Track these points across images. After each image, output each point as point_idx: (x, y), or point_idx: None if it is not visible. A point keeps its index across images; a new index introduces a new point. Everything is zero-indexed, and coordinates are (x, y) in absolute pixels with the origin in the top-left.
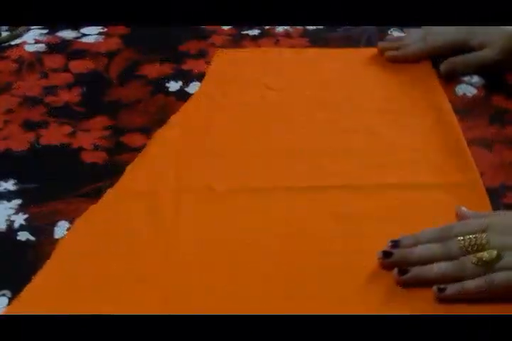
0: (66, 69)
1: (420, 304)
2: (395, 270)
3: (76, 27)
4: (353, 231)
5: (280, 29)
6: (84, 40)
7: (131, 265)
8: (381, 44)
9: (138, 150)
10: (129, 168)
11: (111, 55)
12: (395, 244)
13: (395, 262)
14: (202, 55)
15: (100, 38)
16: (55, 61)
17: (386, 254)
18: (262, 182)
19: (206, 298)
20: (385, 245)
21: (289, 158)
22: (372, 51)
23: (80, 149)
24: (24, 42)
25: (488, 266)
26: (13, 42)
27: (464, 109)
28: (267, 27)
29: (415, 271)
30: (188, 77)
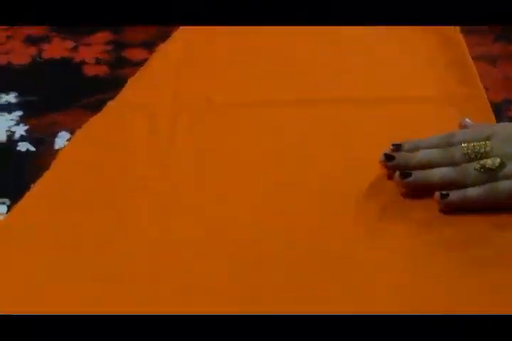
0: None
1: (421, 214)
2: (397, 173)
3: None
4: (354, 144)
5: None
6: None
7: (128, 176)
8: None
9: (140, 64)
10: (130, 81)
11: None
12: (397, 147)
13: (397, 165)
14: None
15: None
16: None
17: (388, 157)
18: (262, 95)
19: (201, 208)
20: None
21: (289, 71)
22: None
23: (82, 63)
24: None
25: (490, 174)
26: None
27: (470, 26)
28: None
29: (418, 175)
30: None
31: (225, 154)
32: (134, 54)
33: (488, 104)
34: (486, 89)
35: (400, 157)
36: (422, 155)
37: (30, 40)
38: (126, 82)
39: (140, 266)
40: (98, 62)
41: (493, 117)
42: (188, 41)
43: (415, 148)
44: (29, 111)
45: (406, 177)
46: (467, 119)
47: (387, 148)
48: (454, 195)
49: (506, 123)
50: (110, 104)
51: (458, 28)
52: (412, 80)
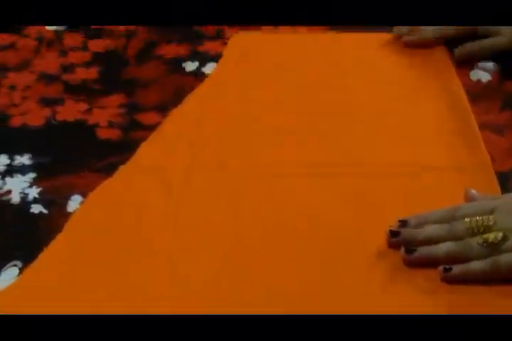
0: (85, 48)
1: (425, 284)
2: (402, 249)
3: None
4: (363, 212)
5: None
6: None
7: (140, 239)
8: (397, 29)
9: (153, 128)
10: (143, 145)
11: (129, 35)
12: (403, 223)
13: (403, 241)
14: (219, 36)
15: None
16: (74, 40)
17: (394, 233)
18: (275, 164)
19: (211, 270)
20: (394, 224)
21: (303, 139)
22: (388, 36)
23: (95, 126)
24: None
25: (494, 248)
26: None
27: (477, 94)
28: None
29: (422, 251)
30: (204, 58)
31: (237, 220)
32: (147, 118)
33: (494, 174)
34: (492, 158)
35: (406, 233)
36: (426, 232)
37: (45, 102)
38: (139, 146)
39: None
40: (111, 125)
41: (498, 188)
42: (200, 106)
43: (420, 224)
44: (42, 173)
45: (411, 253)
46: (472, 190)
47: (395, 218)
48: (457, 269)
49: (510, 195)
50: (123, 167)
51: (465, 95)
52: (419, 149)
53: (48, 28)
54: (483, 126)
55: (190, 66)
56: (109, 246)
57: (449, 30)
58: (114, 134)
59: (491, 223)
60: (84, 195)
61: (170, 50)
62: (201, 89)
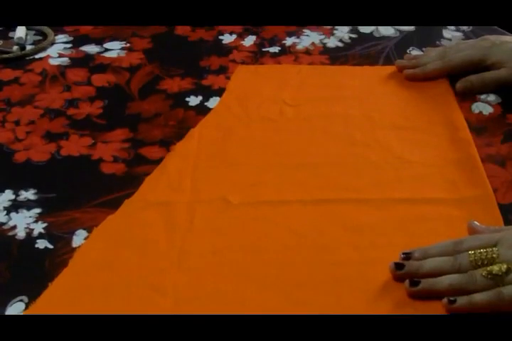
0: (88, 83)
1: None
2: (407, 281)
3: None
4: (365, 244)
5: (300, 46)
6: (107, 54)
7: (145, 274)
8: (399, 62)
9: (156, 162)
10: (147, 179)
11: (132, 69)
12: (407, 256)
13: (407, 274)
14: (222, 70)
15: (122, 53)
16: (77, 74)
17: (398, 266)
18: (276, 195)
19: (217, 307)
20: (397, 257)
21: (303, 172)
22: (390, 69)
23: (100, 160)
24: (48, 56)
25: (498, 280)
26: (37, 56)
27: (479, 127)
28: (288, 44)
29: (426, 283)
30: (208, 92)
31: (240, 252)
32: (151, 152)
33: (496, 206)
34: (495, 190)
35: (410, 266)
36: (430, 264)
37: (49, 137)
38: (143, 180)
39: None
40: (115, 159)
41: (501, 219)
42: (203, 140)
43: (424, 256)
44: (47, 208)
45: (415, 286)
46: (475, 222)
47: (398, 248)
48: (461, 301)
49: None
50: (127, 202)
51: (467, 126)
52: (421, 181)
53: (51, 62)
54: (485, 159)
55: (194, 100)
56: (114, 282)
57: (452, 62)
58: (118, 169)
59: (494, 255)
60: (89, 229)
61: (173, 84)
62: (204, 124)
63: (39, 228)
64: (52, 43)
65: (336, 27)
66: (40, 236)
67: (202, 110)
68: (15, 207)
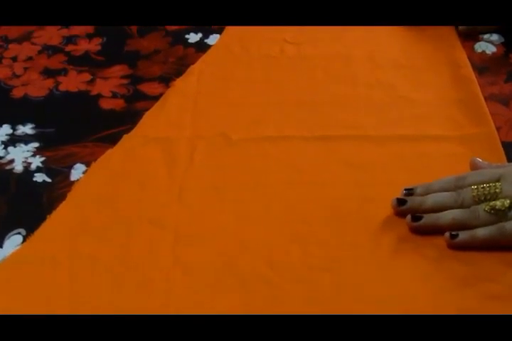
0: None
1: (431, 252)
2: (408, 217)
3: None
4: (367, 180)
5: None
6: None
7: (144, 208)
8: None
9: (156, 98)
10: (146, 115)
11: None
12: (409, 191)
13: (409, 209)
14: None
15: None
16: None
17: (400, 202)
18: (277, 132)
19: (215, 241)
20: (398, 193)
21: (305, 109)
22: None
23: (98, 96)
24: None
25: (500, 215)
26: None
27: (482, 66)
28: None
29: (428, 218)
30: (208, 29)
31: (241, 187)
32: (150, 88)
33: (499, 144)
34: (498, 128)
35: (412, 201)
36: (433, 199)
37: (47, 73)
38: (142, 116)
39: (155, 294)
40: (114, 95)
41: (504, 157)
42: (203, 77)
43: (426, 192)
44: (45, 142)
45: (417, 221)
46: (478, 159)
47: (400, 185)
48: (463, 236)
49: None
50: (126, 137)
51: (469, 65)
52: (424, 118)
53: None
54: (488, 97)
55: (194, 37)
56: (112, 216)
57: None
58: (117, 104)
59: (497, 190)
60: (87, 164)
61: None
62: (204, 61)
63: (37, 162)
64: None
65: None
66: (38, 170)
67: (202, 47)
68: (12, 141)
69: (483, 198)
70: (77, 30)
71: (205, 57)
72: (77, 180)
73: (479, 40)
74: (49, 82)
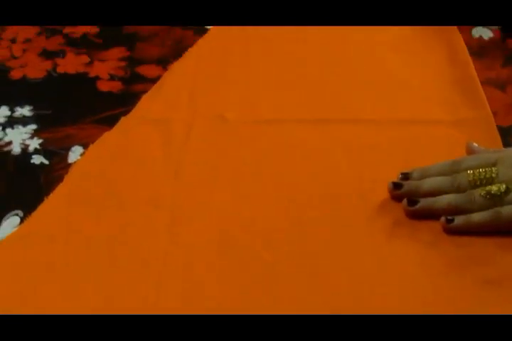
0: None
1: (427, 236)
2: (405, 200)
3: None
4: (363, 163)
5: None
6: None
7: (141, 189)
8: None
9: (153, 80)
10: (144, 97)
11: None
12: (405, 175)
13: (405, 193)
14: None
15: None
16: None
17: (396, 185)
18: (274, 114)
19: (212, 221)
20: (395, 177)
21: (302, 91)
22: None
23: (96, 78)
24: None
25: (496, 199)
26: None
27: (479, 51)
28: None
29: (424, 202)
30: None
31: (237, 168)
32: (148, 71)
33: (495, 128)
34: (494, 113)
35: (408, 185)
36: (429, 184)
37: (46, 54)
38: (140, 98)
39: (151, 274)
40: (112, 77)
41: (500, 141)
42: (201, 59)
43: (423, 176)
44: (43, 124)
45: (413, 205)
46: (474, 143)
47: (396, 169)
48: (459, 220)
49: None
50: (123, 119)
51: (466, 49)
52: (421, 102)
53: None
54: (485, 82)
55: None
56: (109, 197)
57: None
58: (115, 86)
59: (493, 175)
60: (85, 146)
61: None
62: (202, 43)
63: (35, 144)
64: None
65: None
66: (36, 151)
67: (199, 30)
68: (10, 123)
69: (479, 183)
70: None
71: (203, 40)
72: (75, 162)
73: (476, 25)
74: (47, 64)
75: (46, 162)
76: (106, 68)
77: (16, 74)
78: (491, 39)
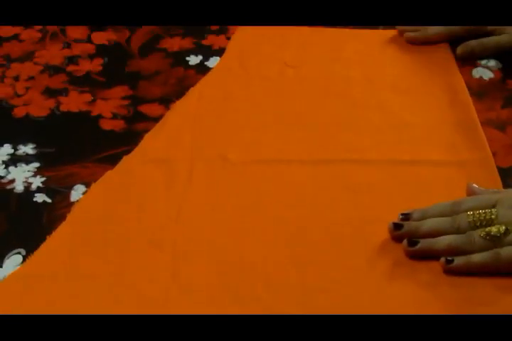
0: (88, 41)
1: (427, 276)
2: (405, 241)
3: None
4: (364, 204)
5: None
6: None
7: (143, 229)
8: (401, 26)
9: (156, 119)
10: (146, 136)
11: (133, 27)
12: (406, 216)
13: (405, 234)
14: (223, 30)
15: None
16: (78, 32)
17: (396, 226)
18: (276, 154)
19: (213, 262)
20: (395, 217)
21: (304, 132)
22: (391, 33)
23: (99, 117)
24: None
25: (496, 241)
26: None
27: (479, 91)
28: None
29: (424, 243)
30: (208, 52)
31: (239, 209)
32: (151, 109)
33: (495, 169)
34: (494, 154)
35: (408, 226)
36: (429, 224)
37: (49, 92)
38: (142, 137)
39: (153, 313)
40: (115, 116)
41: (500, 182)
42: (203, 99)
43: (423, 217)
44: (46, 162)
45: (413, 245)
46: (474, 184)
47: (397, 209)
48: (459, 261)
49: None
50: (126, 158)
51: (466, 90)
52: (422, 143)
53: None
54: (485, 123)
55: (194, 60)
56: (112, 237)
57: (453, 26)
58: (117, 125)
59: (493, 216)
60: (87, 185)
61: (174, 43)
62: (204, 83)
63: (37, 182)
64: None
65: None
66: (39, 190)
67: (202, 69)
68: (13, 161)
69: (478, 224)
70: (78, 50)
71: (205, 80)
72: (77, 200)
73: (477, 66)
74: (50, 102)
75: (49, 200)
76: (109, 107)
77: (19, 112)
78: (491, 80)
